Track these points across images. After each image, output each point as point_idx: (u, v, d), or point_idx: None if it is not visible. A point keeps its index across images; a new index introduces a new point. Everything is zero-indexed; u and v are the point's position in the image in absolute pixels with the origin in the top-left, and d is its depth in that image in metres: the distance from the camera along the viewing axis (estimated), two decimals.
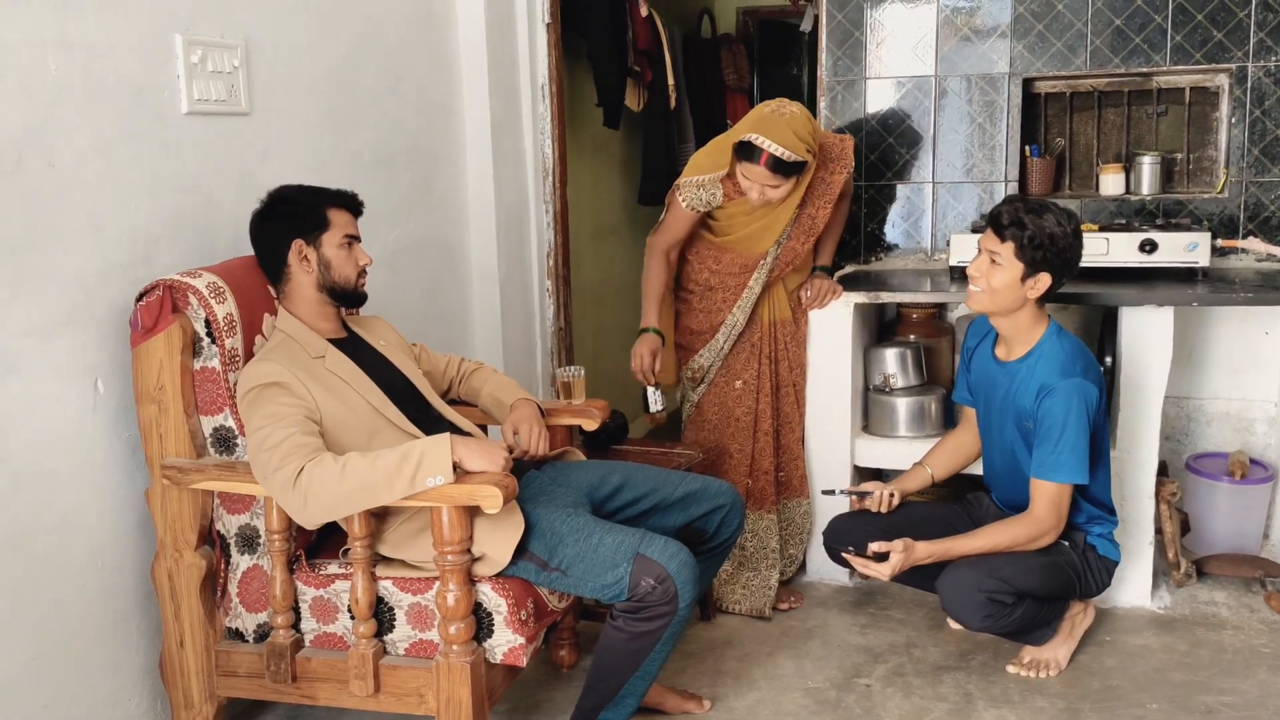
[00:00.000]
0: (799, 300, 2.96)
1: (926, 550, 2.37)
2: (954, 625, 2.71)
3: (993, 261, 2.35)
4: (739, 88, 5.14)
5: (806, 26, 4.13)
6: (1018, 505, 2.50)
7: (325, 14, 2.57)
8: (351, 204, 2.12)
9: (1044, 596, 2.41)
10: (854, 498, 2.63)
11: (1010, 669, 2.48)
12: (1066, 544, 2.44)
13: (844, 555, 2.44)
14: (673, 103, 4.36)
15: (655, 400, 2.87)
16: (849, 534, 2.53)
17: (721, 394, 2.91)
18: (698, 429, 2.95)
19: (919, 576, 2.46)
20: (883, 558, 2.37)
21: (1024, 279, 2.34)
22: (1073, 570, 2.44)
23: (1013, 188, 3.34)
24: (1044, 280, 2.35)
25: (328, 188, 2.12)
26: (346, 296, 2.10)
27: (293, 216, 2.06)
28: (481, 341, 3.22)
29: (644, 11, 4.02)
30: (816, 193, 2.78)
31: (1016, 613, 2.35)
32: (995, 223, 2.36)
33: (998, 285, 2.35)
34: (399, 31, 2.85)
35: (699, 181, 2.75)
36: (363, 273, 2.12)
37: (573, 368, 2.63)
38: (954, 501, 2.75)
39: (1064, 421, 2.31)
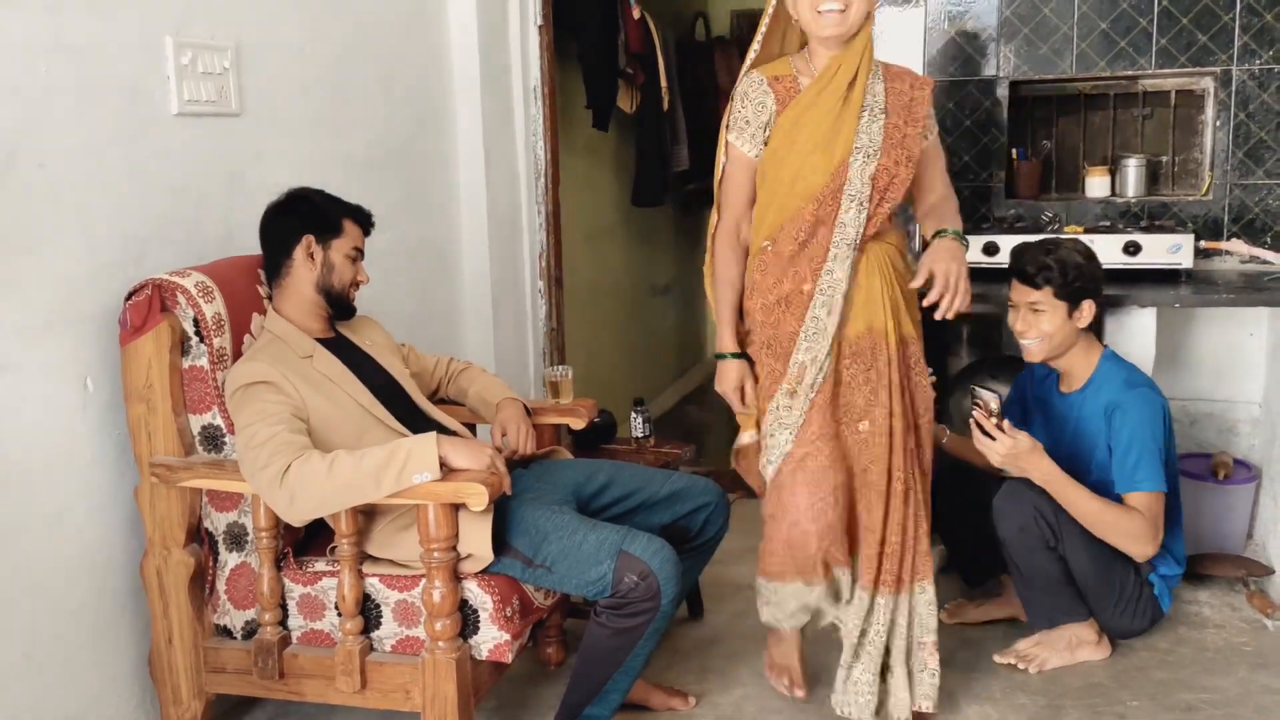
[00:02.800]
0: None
1: (1049, 465, 2.32)
2: (944, 619, 2.73)
3: (1035, 310, 2.44)
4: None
5: None
6: None
7: (317, 16, 2.59)
8: (365, 221, 2.18)
9: (1079, 584, 2.44)
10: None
11: (996, 657, 2.51)
12: (1134, 569, 2.46)
13: (974, 407, 2.28)
14: (666, 105, 4.38)
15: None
16: None
17: (842, 441, 2.16)
18: (784, 493, 2.17)
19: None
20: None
21: (1070, 314, 2.45)
22: (1121, 587, 2.45)
23: (1000, 190, 3.36)
24: (1088, 307, 2.46)
25: (347, 201, 2.17)
26: (338, 303, 2.14)
27: (311, 215, 2.10)
28: (473, 342, 3.24)
29: (636, 14, 4.05)
30: (899, 103, 2.14)
31: (1044, 560, 2.38)
32: (1022, 275, 2.45)
33: (1050, 329, 2.45)
34: (391, 34, 2.88)
35: (742, 95, 2.18)
36: (357, 285, 2.16)
37: (561, 367, 2.66)
38: None
39: (1136, 431, 2.39)
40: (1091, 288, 2.45)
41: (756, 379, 2.23)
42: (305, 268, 2.09)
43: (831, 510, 2.15)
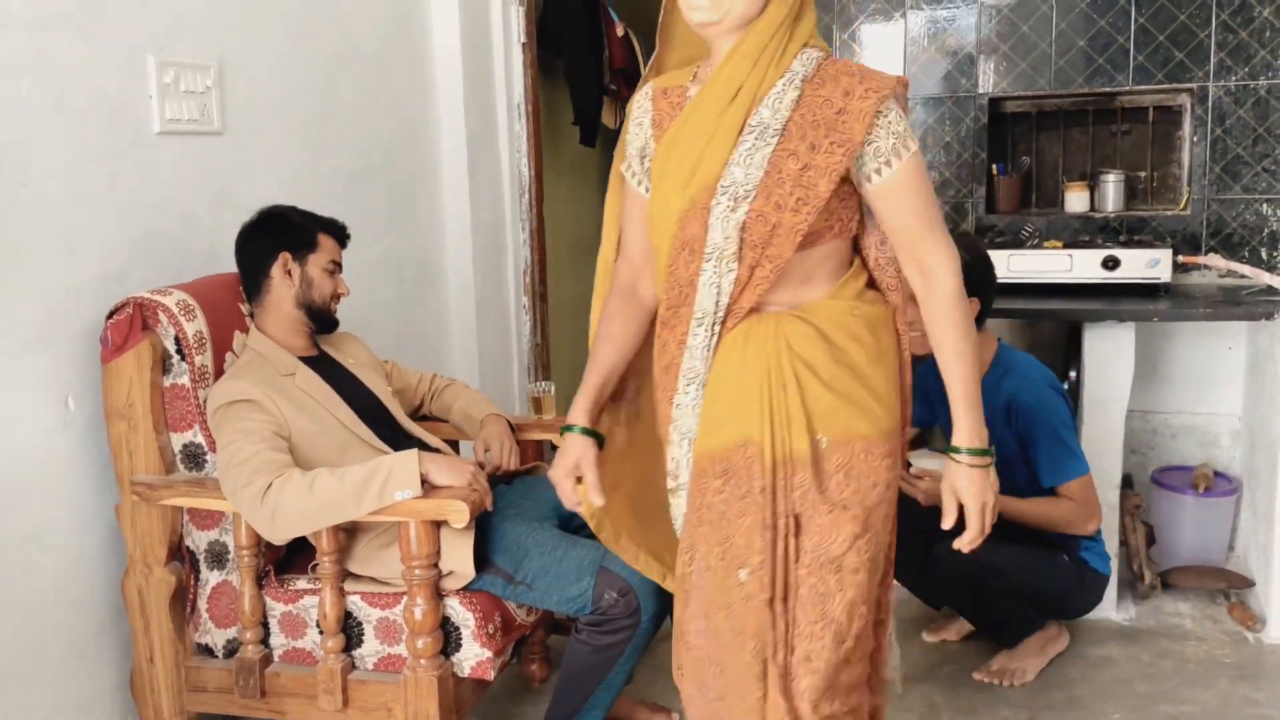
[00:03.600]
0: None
1: None
2: (926, 638, 2.74)
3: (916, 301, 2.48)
4: None
5: None
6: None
7: (301, 35, 2.60)
8: (341, 234, 2.18)
9: (1030, 597, 2.50)
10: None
11: (976, 675, 2.52)
12: (1065, 557, 2.52)
13: None
14: None
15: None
16: None
17: (723, 593, 1.53)
18: (695, 671, 1.58)
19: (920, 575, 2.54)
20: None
21: None
22: (1066, 583, 2.52)
23: (980, 205, 3.39)
24: (974, 305, 2.47)
25: (319, 214, 2.17)
26: (320, 317, 2.14)
27: (284, 232, 2.11)
28: (458, 357, 3.24)
29: (620, 31, 4.07)
30: (814, 119, 1.46)
31: (989, 595, 2.49)
32: None
33: None
34: (375, 51, 2.89)
35: (629, 115, 1.67)
36: (338, 298, 2.16)
37: (544, 383, 2.66)
38: None
39: (1043, 427, 2.47)
40: (975, 286, 2.40)
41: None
42: (284, 285, 2.09)
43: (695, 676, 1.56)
